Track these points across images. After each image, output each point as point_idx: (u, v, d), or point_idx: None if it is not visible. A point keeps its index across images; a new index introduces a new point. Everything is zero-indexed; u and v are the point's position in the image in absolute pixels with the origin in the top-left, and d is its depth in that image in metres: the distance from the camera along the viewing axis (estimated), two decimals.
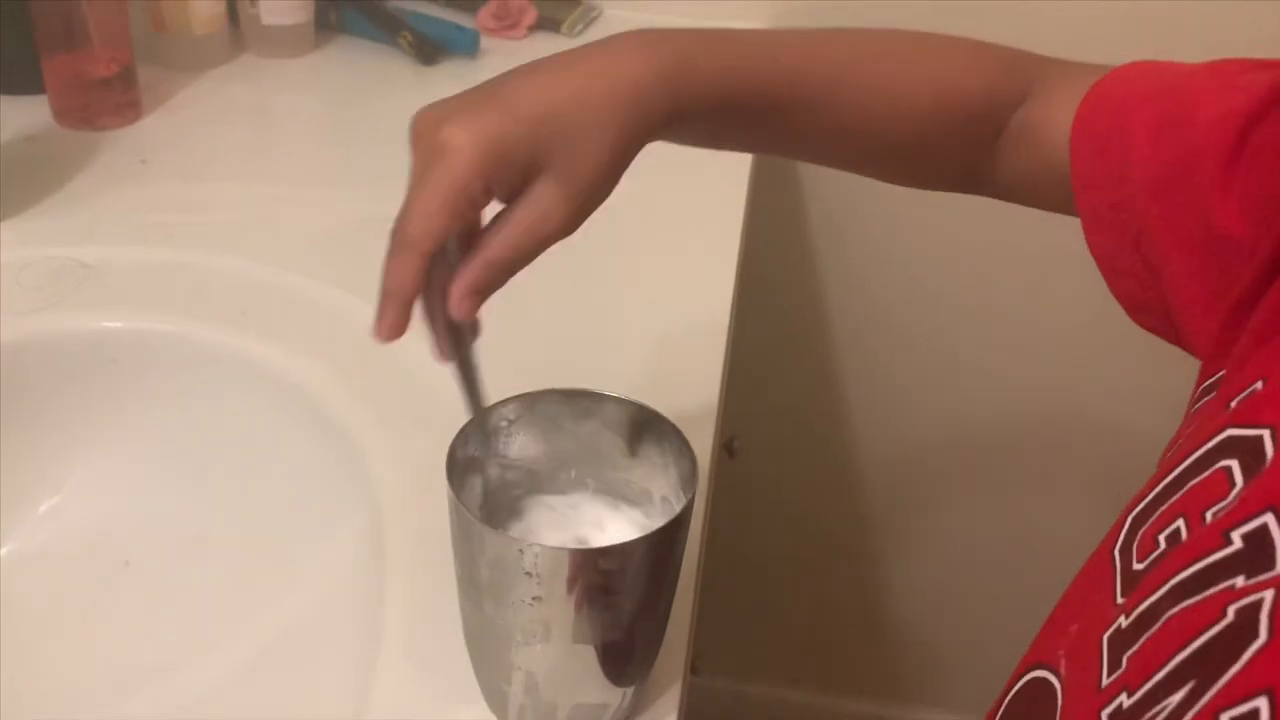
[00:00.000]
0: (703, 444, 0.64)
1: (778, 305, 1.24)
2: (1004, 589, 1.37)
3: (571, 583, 0.42)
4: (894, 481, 1.37)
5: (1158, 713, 0.33)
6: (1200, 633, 0.33)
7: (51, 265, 0.73)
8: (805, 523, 1.41)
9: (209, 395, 0.70)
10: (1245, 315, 0.43)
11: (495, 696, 0.49)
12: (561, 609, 0.43)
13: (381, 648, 0.53)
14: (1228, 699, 0.30)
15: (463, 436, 0.46)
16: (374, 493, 0.61)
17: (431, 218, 0.42)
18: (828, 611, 1.48)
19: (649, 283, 0.80)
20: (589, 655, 0.45)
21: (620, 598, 0.44)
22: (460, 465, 0.46)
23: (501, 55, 1.06)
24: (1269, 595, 0.32)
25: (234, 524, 0.68)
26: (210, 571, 0.67)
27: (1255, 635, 0.31)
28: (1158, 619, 0.35)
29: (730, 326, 0.75)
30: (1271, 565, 0.33)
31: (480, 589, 0.45)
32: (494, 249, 0.44)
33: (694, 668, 0.56)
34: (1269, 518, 0.34)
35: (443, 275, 0.44)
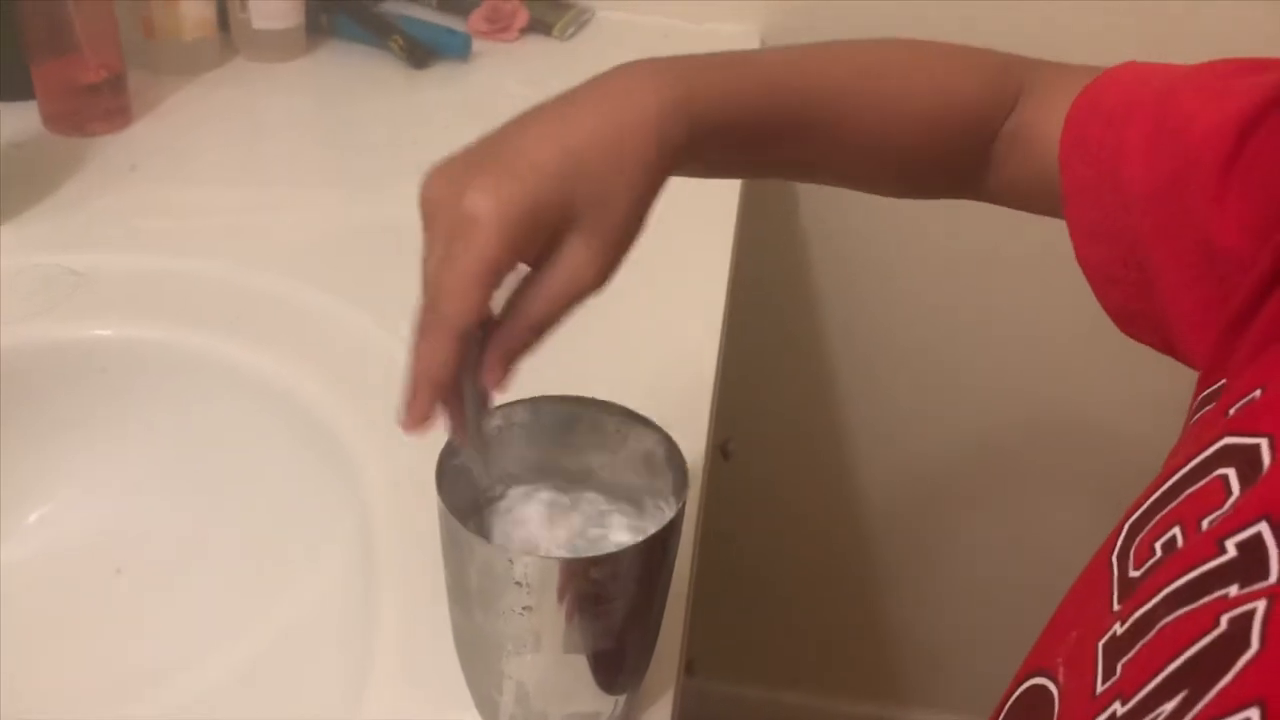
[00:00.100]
0: (696, 447, 0.64)
1: (772, 309, 1.24)
2: (1001, 590, 1.37)
3: (562, 592, 0.42)
4: (890, 483, 1.37)
5: None
6: (1193, 641, 0.33)
7: (42, 273, 0.73)
8: (802, 525, 1.41)
9: (199, 403, 0.70)
10: (1244, 325, 0.43)
11: (486, 705, 0.49)
12: (552, 618, 0.43)
13: (373, 655, 0.53)
14: (1220, 709, 0.30)
15: (452, 445, 0.46)
16: (364, 499, 0.61)
17: (466, 296, 0.39)
18: (825, 613, 1.48)
19: (641, 287, 0.79)
20: (580, 664, 0.45)
21: (611, 606, 0.44)
22: (450, 474, 0.45)
23: (493, 58, 1.05)
24: (1261, 605, 0.32)
25: (225, 531, 0.68)
26: (201, 579, 0.67)
27: (1247, 645, 0.31)
28: (1152, 627, 0.35)
29: (723, 329, 0.75)
30: (1265, 574, 0.32)
31: (470, 598, 0.45)
32: (531, 316, 0.42)
33: (690, 670, 0.56)
34: (1263, 526, 0.34)
35: (469, 351, 0.42)
